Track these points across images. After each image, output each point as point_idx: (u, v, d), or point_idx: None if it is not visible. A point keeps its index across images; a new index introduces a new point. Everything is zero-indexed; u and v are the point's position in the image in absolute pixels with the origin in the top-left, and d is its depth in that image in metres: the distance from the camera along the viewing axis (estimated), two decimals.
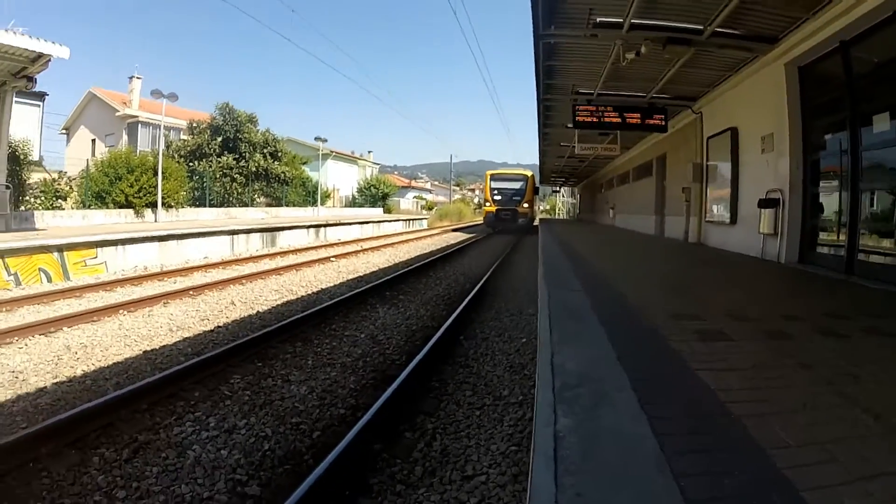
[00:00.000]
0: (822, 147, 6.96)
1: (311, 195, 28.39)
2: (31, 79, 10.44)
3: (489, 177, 27.26)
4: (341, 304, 7.01)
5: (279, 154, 26.01)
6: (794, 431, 1.78)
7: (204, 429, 3.32)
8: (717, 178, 9.96)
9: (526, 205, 25.79)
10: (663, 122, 11.09)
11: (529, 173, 26.88)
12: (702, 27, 6.99)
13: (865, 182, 5.89)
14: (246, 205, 23.43)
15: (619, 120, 11.17)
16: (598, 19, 6.87)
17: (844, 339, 3.06)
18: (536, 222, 30.24)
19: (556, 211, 63.19)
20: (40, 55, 9.37)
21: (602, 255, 8.85)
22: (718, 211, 9.80)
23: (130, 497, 2.53)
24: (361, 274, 10.68)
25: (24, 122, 15.28)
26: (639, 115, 11.15)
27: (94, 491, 2.58)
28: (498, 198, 25.94)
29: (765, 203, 7.44)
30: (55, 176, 16.77)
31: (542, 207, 58.93)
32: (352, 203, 37.02)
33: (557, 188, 51.52)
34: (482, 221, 28.26)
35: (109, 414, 3.34)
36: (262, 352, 4.94)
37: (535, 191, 28.58)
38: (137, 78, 28.71)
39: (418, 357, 4.45)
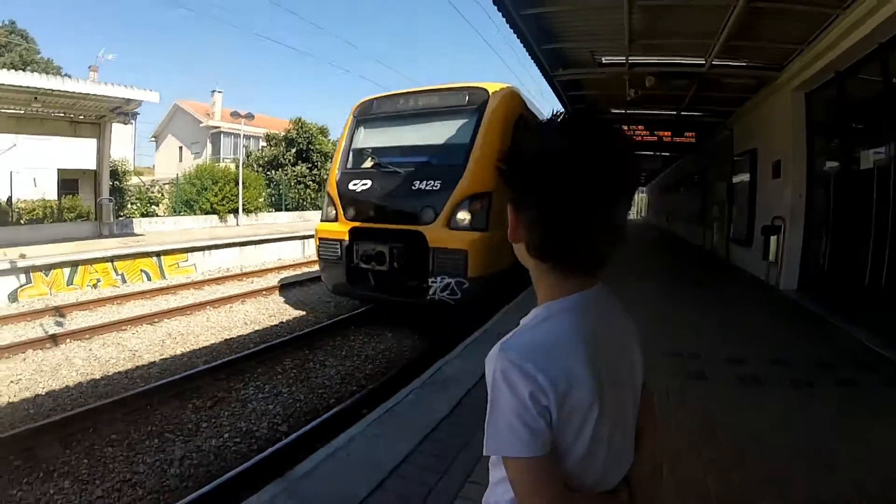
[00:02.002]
0: (824, 177, 7.08)
1: None
2: (126, 114, 12.93)
3: (355, 112, 7.85)
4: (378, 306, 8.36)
5: None
6: None
7: (260, 392, 4.78)
8: (740, 199, 10.25)
9: (479, 204, 6.05)
10: (694, 140, 11.49)
11: (495, 86, 6.84)
12: (703, 61, 7.52)
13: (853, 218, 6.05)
14: (319, 208, 25.83)
15: (651, 138, 11.70)
16: (603, 59, 7.71)
17: (703, 383, 3.59)
18: None
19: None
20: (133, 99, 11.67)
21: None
22: (739, 231, 10.12)
23: (210, 427, 4.01)
24: None
25: (118, 138, 18.09)
26: (670, 132, 11.63)
27: (188, 423, 4.09)
28: (362, 186, 6.96)
29: (767, 230, 7.78)
30: (148, 183, 19.80)
31: None
32: None
33: None
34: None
35: (199, 379, 4.90)
36: (310, 343, 6.37)
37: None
38: (219, 92, 32.32)
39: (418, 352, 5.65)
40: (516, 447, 0.67)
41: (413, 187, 6.39)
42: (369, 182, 6.87)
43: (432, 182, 6.30)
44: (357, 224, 6.76)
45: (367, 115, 7.67)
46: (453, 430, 2.72)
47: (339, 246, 6.88)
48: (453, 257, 5.90)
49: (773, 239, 7.71)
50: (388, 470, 2.24)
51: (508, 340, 0.71)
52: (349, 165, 7.45)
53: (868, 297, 5.55)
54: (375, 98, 7.80)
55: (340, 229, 6.90)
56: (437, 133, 6.97)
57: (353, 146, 7.59)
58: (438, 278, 6.01)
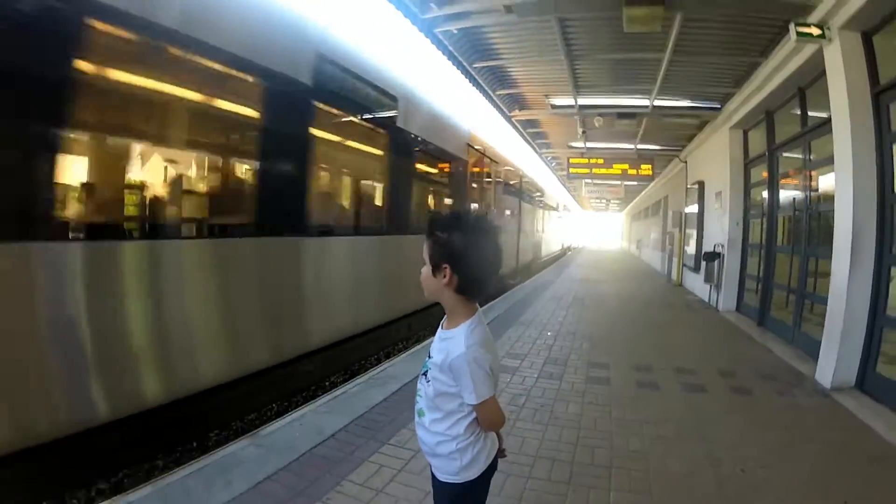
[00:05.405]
0: (759, 207, 7.58)
1: None
2: None
3: None
4: None
5: None
6: None
7: None
8: (690, 228, 10.85)
9: None
10: (650, 172, 12.15)
11: None
12: (647, 102, 8.15)
13: (777, 245, 6.69)
14: None
15: (608, 170, 12.35)
16: (555, 102, 8.30)
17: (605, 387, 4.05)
18: None
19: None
20: None
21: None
22: (688, 257, 10.68)
23: None
24: None
25: None
26: (627, 164, 12.29)
27: None
28: None
29: (708, 256, 8.31)
30: None
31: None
32: None
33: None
34: None
35: None
36: None
37: None
38: None
39: None
40: (489, 391, 1.31)
41: None
42: None
43: None
44: None
45: None
46: (384, 411, 3.38)
47: None
48: None
49: (711, 265, 8.22)
50: (327, 434, 2.96)
51: (470, 342, 1.30)
52: None
53: (792, 317, 6.01)
54: None
55: None
56: None
57: None
58: None
